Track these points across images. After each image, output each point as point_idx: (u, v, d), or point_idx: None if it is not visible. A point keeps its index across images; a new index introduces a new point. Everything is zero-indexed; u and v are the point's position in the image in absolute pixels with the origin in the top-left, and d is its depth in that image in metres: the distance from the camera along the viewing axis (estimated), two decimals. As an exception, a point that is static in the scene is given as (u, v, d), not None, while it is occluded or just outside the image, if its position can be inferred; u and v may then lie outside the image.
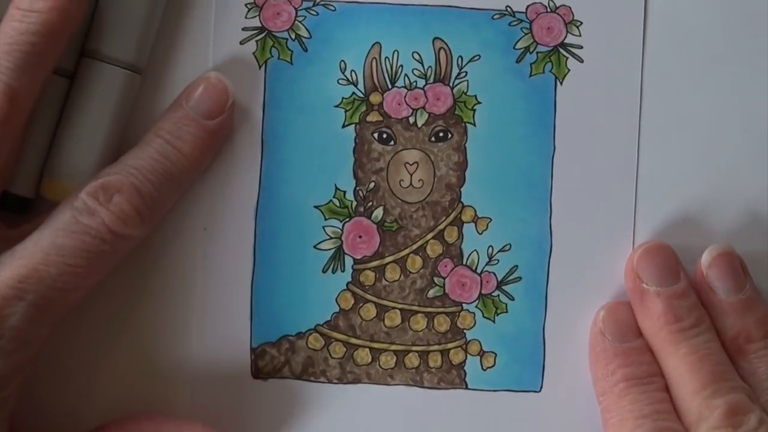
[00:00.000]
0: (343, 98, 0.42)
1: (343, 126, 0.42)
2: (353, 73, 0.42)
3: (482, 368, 0.42)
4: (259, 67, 0.42)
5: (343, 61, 0.42)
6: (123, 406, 0.41)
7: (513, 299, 0.42)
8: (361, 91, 0.42)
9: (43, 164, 0.39)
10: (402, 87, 0.42)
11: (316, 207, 0.42)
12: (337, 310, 0.42)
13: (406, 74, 0.42)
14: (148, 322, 0.42)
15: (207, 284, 0.42)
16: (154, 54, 0.41)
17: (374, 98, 0.42)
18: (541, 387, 0.42)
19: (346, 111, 0.42)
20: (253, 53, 0.42)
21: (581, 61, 0.42)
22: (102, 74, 0.39)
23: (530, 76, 0.42)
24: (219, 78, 0.40)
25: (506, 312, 0.42)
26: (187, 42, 0.42)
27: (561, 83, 0.42)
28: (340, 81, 0.42)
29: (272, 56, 0.42)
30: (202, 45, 0.42)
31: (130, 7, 0.39)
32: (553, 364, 0.42)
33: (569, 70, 0.42)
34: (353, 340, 0.42)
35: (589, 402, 0.41)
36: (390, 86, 0.42)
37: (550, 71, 0.42)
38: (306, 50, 0.42)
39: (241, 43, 0.42)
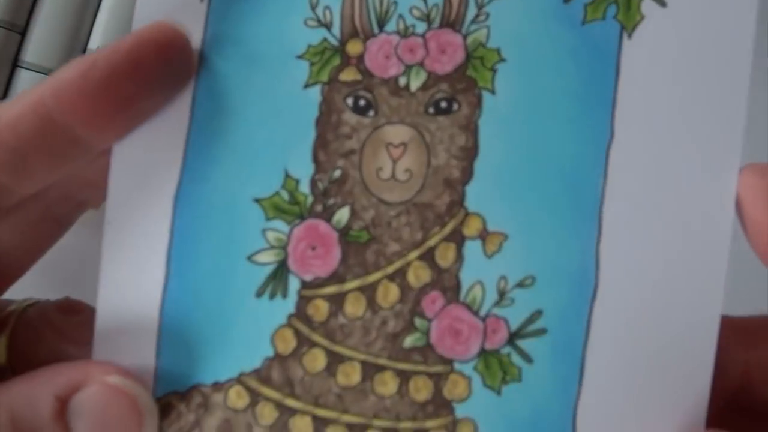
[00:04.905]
0: (309, 46, 0.30)
1: (306, 86, 0.30)
2: (327, 11, 0.30)
3: (475, 465, 0.28)
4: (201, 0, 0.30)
5: (315, -5, 0.30)
6: None
7: (531, 362, 0.28)
8: (335, 37, 0.30)
9: None
10: (393, 33, 0.30)
11: (255, 200, 0.30)
12: (272, 354, 0.29)
13: (400, 15, 0.30)
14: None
15: (106, 299, 0.30)
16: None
17: (353, 47, 0.30)
18: (563, 504, 0.28)
19: (311, 64, 0.30)
20: (194, -21, 0.30)
21: (663, 4, 0.29)
22: None
23: (583, 23, 0.29)
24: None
25: (519, 380, 0.28)
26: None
27: (630, 36, 0.29)
28: (308, 22, 0.30)
29: (220, -15, 0.30)
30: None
31: None
32: (585, 468, 0.28)
33: (644, 16, 0.29)
34: (290, 402, 0.29)
35: None
36: (377, 31, 0.30)
37: (614, 17, 0.29)
38: (267, -22, 0.30)
39: (180, -36, 0.30)
